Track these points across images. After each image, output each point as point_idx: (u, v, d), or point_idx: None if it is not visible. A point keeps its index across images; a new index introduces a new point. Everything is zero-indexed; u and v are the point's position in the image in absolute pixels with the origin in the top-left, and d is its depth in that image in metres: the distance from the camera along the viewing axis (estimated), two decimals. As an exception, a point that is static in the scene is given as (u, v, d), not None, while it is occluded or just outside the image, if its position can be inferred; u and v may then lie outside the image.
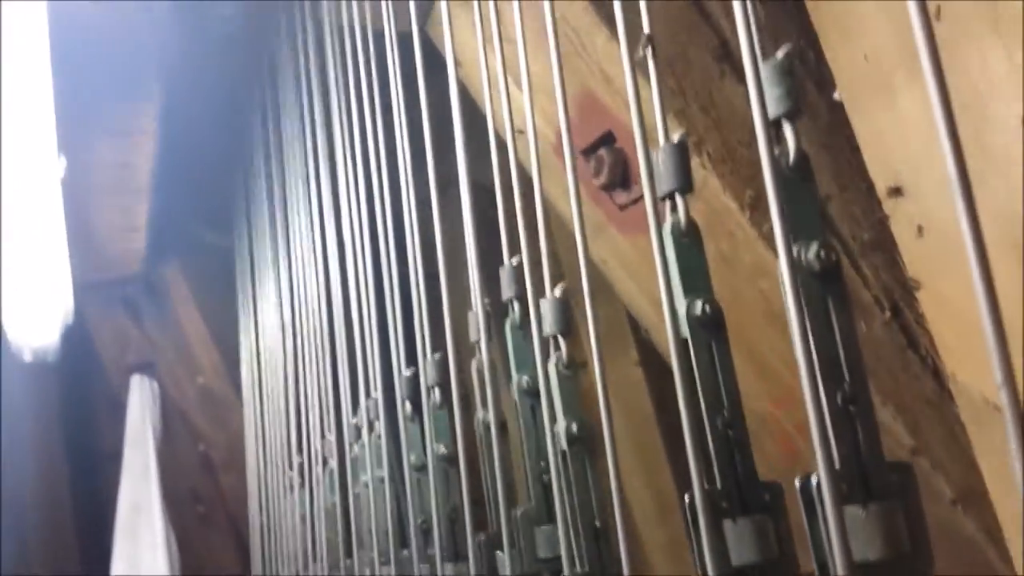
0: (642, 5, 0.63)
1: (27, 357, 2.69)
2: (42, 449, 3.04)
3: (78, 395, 3.03)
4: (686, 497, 0.54)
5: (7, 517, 3.06)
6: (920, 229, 1.17)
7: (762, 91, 0.47)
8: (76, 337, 2.66)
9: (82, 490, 3.12)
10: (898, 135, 1.14)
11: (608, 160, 1.36)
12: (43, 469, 3.05)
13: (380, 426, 1.23)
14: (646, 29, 0.62)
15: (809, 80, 1.27)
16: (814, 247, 0.47)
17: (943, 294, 1.17)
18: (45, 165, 1.69)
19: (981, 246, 0.39)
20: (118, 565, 2.56)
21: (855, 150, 1.21)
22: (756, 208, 1.20)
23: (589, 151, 1.36)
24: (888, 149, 1.16)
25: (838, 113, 1.22)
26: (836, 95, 1.21)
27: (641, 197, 1.41)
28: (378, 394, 1.25)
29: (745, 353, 1.19)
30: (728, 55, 1.25)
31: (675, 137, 0.59)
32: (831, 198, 1.23)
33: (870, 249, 1.24)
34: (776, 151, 0.47)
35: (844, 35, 1.17)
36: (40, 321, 2.49)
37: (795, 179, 0.48)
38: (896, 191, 1.18)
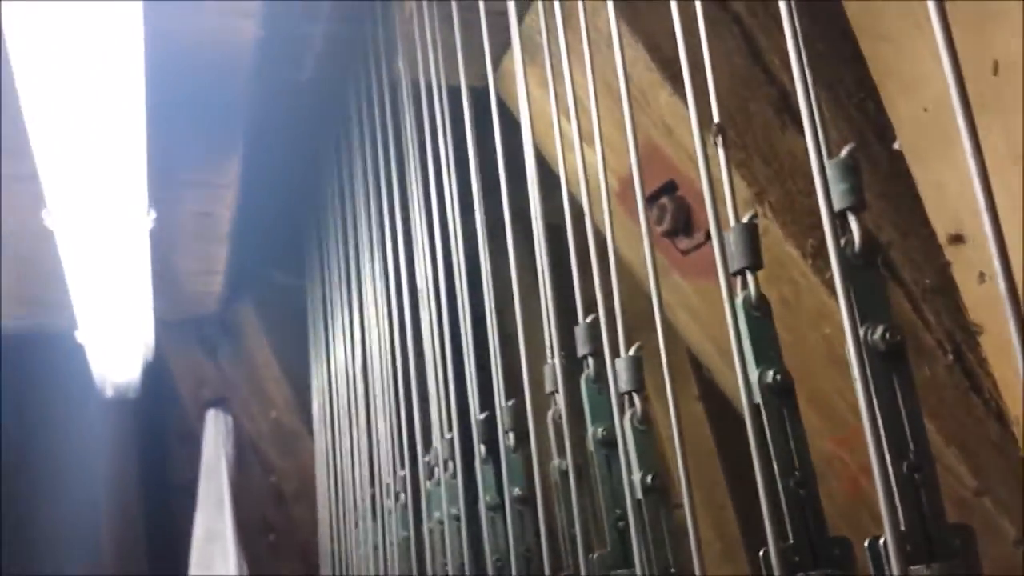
0: (712, 94, 0.68)
1: (108, 392, 2.83)
2: (118, 480, 3.17)
3: (154, 428, 3.16)
4: (761, 552, 0.58)
5: (83, 545, 3.19)
6: (982, 275, 1.19)
7: (828, 187, 0.52)
8: (155, 373, 2.79)
9: (156, 519, 3.24)
10: (959, 184, 1.17)
11: (670, 208, 1.41)
12: (119, 499, 3.18)
13: (454, 465, 1.29)
14: (716, 118, 0.68)
15: (869, 129, 1.31)
16: (880, 329, 0.52)
17: (1006, 338, 1.19)
18: (136, 217, 1.81)
19: (1015, 296, 0.43)
20: (193, 592, 2.66)
21: (915, 197, 1.24)
22: (818, 256, 1.23)
23: (651, 199, 1.42)
24: (949, 198, 1.19)
25: (898, 162, 1.25)
26: (896, 145, 1.24)
27: (703, 243, 1.46)
28: (452, 434, 1.31)
29: (808, 395, 1.22)
30: (788, 107, 1.29)
31: (745, 217, 0.64)
32: (892, 244, 1.27)
33: (932, 294, 1.26)
34: (842, 241, 0.52)
35: (903, 87, 1.21)
36: (123, 358, 2.62)
37: (861, 266, 0.53)
38: (957, 238, 1.21)
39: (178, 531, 2.86)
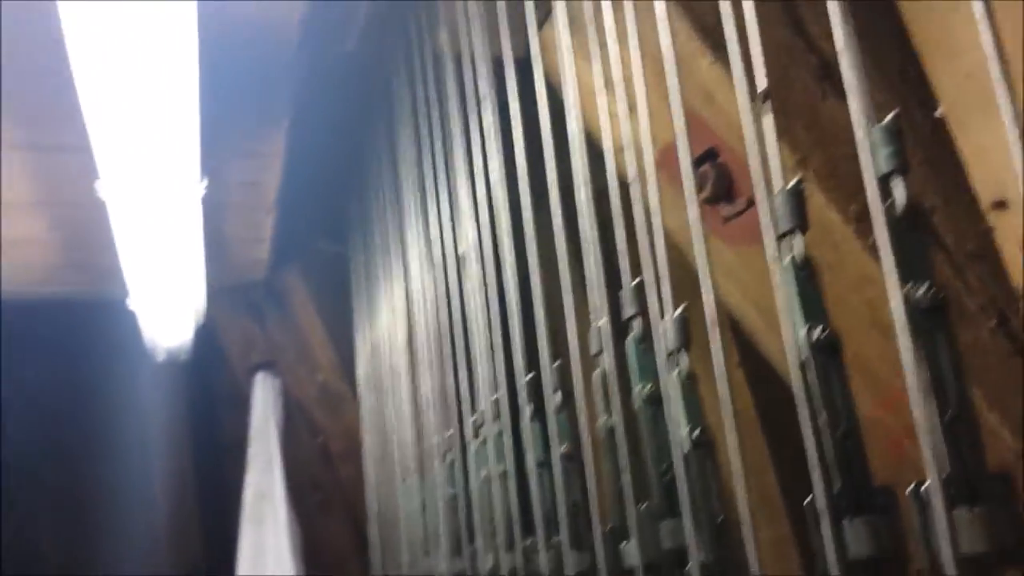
0: (758, 59, 0.71)
1: (160, 357, 2.92)
2: (170, 440, 3.28)
3: (204, 391, 3.25)
4: (806, 500, 0.62)
5: (136, 503, 3.31)
6: (1025, 241, 1.20)
7: (873, 152, 0.54)
8: (204, 338, 2.88)
9: (207, 479, 3.35)
10: (1002, 150, 1.17)
11: (712, 175, 1.43)
12: (171, 459, 3.29)
13: (502, 424, 1.34)
14: (762, 85, 0.70)
15: (911, 96, 1.31)
16: (924, 287, 0.54)
17: (1049, 303, 1.20)
18: (188, 185, 1.86)
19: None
20: (245, 548, 2.76)
21: (957, 164, 1.25)
22: (861, 220, 1.25)
23: (693, 166, 1.43)
24: (992, 164, 1.20)
25: (940, 128, 1.26)
26: (939, 112, 1.25)
27: (744, 210, 1.47)
28: (499, 394, 1.35)
29: (851, 359, 1.24)
30: (829, 75, 1.30)
31: (792, 181, 0.67)
32: (935, 210, 1.27)
33: (974, 259, 1.27)
34: (887, 202, 0.55)
35: (946, 54, 1.22)
36: (174, 323, 2.70)
37: (905, 227, 0.55)
38: (1000, 204, 1.22)
39: (228, 490, 2.95)
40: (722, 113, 1.38)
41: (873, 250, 1.30)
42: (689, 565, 0.79)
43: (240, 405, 2.91)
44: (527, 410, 1.24)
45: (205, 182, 1.81)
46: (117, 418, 3.26)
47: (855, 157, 1.37)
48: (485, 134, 1.39)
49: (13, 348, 3.43)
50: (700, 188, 1.44)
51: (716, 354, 0.74)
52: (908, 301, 0.53)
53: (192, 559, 3.27)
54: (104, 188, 1.90)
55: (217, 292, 2.69)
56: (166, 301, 2.54)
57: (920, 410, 0.52)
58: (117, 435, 3.30)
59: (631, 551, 0.92)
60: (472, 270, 1.45)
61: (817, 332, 0.63)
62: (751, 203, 1.41)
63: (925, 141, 1.28)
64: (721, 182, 1.42)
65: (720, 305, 1.54)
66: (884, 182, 0.57)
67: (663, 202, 1.05)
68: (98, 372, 3.34)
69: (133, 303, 2.54)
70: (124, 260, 2.29)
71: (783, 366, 1.40)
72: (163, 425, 3.24)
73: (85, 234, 2.40)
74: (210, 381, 3.19)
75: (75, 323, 3.16)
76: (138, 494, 3.31)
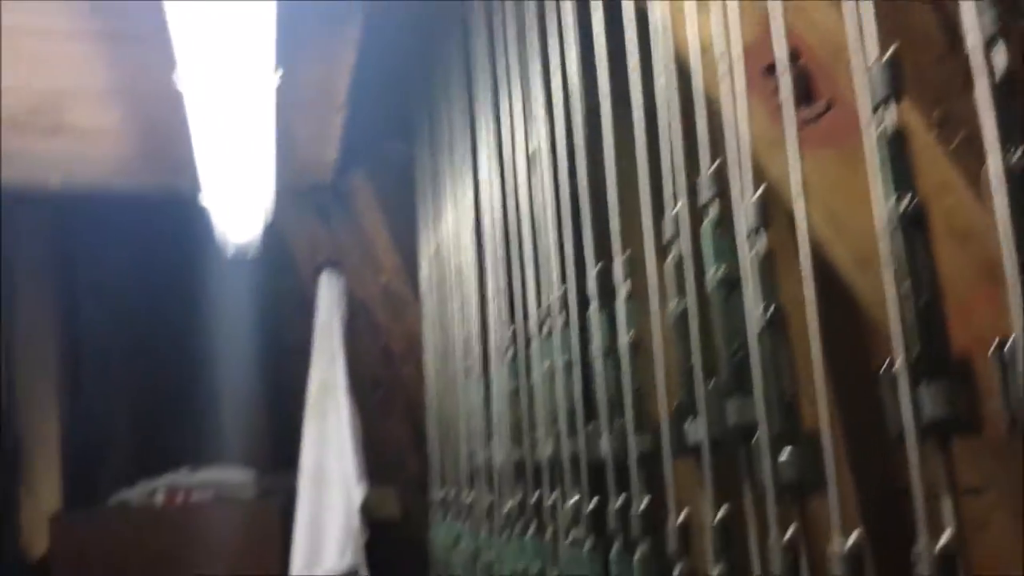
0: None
1: (229, 253, 3.01)
2: (238, 337, 3.41)
3: (271, 292, 3.36)
4: (883, 366, 0.64)
5: (205, 394, 3.46)
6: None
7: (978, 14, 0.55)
8: (273, 239, 2.96)
9: (272, 376, 3.49)
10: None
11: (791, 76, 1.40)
12: (238, 354, 3.43)
13: (569, 315, 1.37)
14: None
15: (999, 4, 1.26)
16: (1020, 152, 0.55)
17: None
18: (263, 75, 1.89)
19: None
20: (308, 440, 2.88)
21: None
22: (944, 126, 1.22)
23: (770, 68, 1.41)
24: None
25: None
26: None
27: (822, 113, 1.45)
28: (567, 286, 1.38)
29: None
30: (917, -22, 1.26)
31: (889, 51, 0.67)
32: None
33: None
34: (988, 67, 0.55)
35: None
36: (244, 220, 2.78)
37: (1004, 91, 0.56)
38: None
39: (293, 389, 3.07)
40: (803, 13, 1.35)
41: (955, 156, 1.28)
42: (757, 435, 0.82)
43: (305, 306, 3.00)
44: (595, 301, 1.26)
45: (280, 72, 1.83)
46: (188, 311, 3.40)
47: (941, 62, 1.33)
48: (563, 28, 1.38)
49: (86, 239, 3.57)
50: (776, 91, 1.42)
51: (800, 227, 0.76)
52: (1006, 164, 0.54)
53: (258, 448, 3.44)
54: (181, 79, 1.94)
55: (285, 193, 2.75)
56: (237, 197, 2.60)
57: (1010, 269, 0.53)
58: (188, 328, 3.45)
59: (696, 428, 0.96)
60: (543, 164, 1.47)
61: (906, 202, 0.64)
62: (829, 106, 1.39)
63: (1013, 52, 1.24)
64: (800, 83, 1.40)
65: (785, 215, 1.54)
66: (987, 47, 0.57)
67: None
68: (169, 266, 3.47)
69: (205, 199, 2.61)
70: (198, 153, 2.35)
71: (850, 275, 1.39)
72: (232, 320, 3.36)
73: (159, 126, 2.45)
74: (277, 282, 3.30)
75: (147, 216, 3.27)
76: (207, 385, 3.46)
